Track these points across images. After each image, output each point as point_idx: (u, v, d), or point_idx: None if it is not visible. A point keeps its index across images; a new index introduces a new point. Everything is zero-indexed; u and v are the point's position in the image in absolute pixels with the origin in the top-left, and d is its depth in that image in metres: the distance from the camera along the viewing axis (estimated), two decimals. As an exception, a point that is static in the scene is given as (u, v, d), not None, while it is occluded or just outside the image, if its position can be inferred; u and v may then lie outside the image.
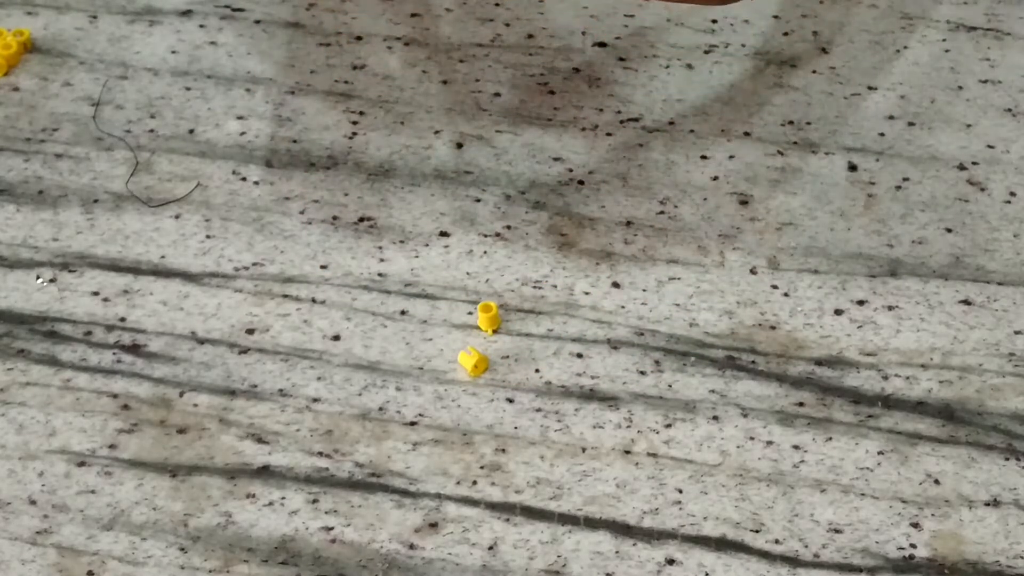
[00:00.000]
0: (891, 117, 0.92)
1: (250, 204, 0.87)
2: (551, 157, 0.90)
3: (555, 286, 0.83)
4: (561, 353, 0.80)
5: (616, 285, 0.82)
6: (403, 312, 0.82)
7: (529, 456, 0.75)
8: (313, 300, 0.82)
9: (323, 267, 0.84)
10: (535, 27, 0.99)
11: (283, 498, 0.73)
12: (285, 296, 0.82)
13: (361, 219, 0.85)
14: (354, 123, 0.91)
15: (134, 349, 0.79)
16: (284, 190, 0.87)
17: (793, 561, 0.71)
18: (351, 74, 0.93)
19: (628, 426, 0.76)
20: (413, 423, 0.76)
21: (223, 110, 0.92)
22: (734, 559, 0.71)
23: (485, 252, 0.84)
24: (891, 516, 0.73)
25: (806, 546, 0.72)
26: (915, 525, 0.73)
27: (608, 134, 0.92)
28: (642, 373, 0.79)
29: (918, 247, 0.85)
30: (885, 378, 0.79)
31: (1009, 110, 0.94)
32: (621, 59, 0.96)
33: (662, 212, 0.86)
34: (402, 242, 0.84)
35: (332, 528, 0.72)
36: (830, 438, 0.76)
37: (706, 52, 0.97)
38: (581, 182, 0.89)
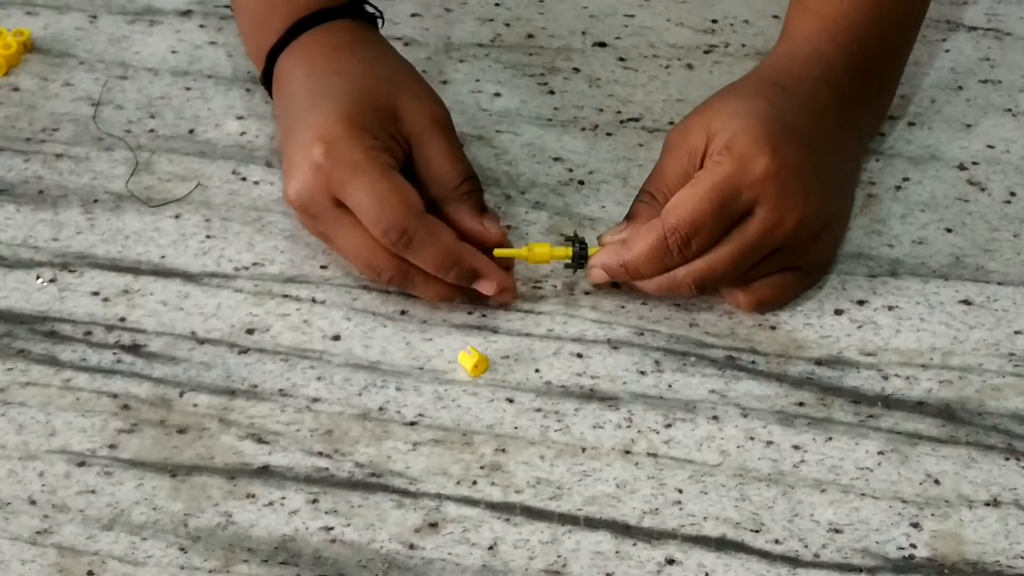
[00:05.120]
0: (891, 117, 0.92)
1: (250, 204, 0.87)
2: (551, 157, 0.90)
3: (555, 286, 0.83)
4: (561, 353, 0.80)
5: (616, 285, 0.82)
6: (403, 312, 0.82)
7: (529, 456, 0.75)
8: (313, 300, 0.82)
9: (323, 267, 0.84)
10: (535, 27, 0.99)
11: (283, 498, 0.73)
12: (285, 296, 0.82)
13: (361, 219, 0.85)
14: (354, 123, 0.90)
15: (134, 349, 0.79)
16: (284, 190, 0.87)
17: (793, 561, 0.71)
18: (351, 74, 0.93)
19: (628, 426, 0.76)
20: (413, 423, 0.76)
21: (223, 110, 0.92)
22: (734, 559, 0.71)
23: (485, 252, 0.84)
24: (891, 516, 0.73)
25: (806, 546, 0.72)
26: (915, 525, 0.73)
27: (608, 134, 0.92)
28: (642, 373, 0.79)
29: (918, 247, 0.85)
30: (885, 378, 0.79)
31: (1009, 110, 0.94)
32: (621, 59, 0.96)
33: (662, 212, 0.85)
34: (402, 242, 0.84)
35: (332, 528, 0.72)
36: (830, 438, 0.76)
37: (706, 52, 0.97)
38: (581, 182, 0.89)
